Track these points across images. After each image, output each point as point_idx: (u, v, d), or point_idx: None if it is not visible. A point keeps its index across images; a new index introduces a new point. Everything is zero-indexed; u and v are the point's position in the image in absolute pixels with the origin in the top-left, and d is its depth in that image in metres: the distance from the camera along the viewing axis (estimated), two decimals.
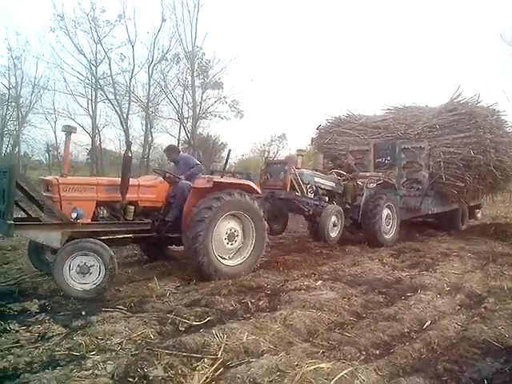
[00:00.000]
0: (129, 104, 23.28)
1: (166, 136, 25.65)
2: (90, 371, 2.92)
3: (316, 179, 8.18)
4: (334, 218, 7.62)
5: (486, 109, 10.48)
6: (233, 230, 5.91)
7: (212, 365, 3.12)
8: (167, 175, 6.20)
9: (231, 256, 5.97)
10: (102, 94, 23.19)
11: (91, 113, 23.95)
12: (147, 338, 3.57)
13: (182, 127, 23.70)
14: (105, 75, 23.38)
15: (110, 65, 22.99)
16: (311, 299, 4.69)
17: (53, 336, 3.57)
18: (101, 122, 24.85)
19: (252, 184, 6.29)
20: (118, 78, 23.66)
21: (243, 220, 6.00)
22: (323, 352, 3.43)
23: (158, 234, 5.73)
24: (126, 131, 23.29)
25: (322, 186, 8.32)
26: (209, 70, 23.12)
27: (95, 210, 5.26)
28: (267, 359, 3.18)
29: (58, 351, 3.25)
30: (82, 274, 4.66)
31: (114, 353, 3.27)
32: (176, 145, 26.11)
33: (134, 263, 6.64)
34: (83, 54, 22.84)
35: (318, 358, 3.27)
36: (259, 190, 6.45)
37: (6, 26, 29.18)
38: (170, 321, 3.97)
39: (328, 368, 3.06)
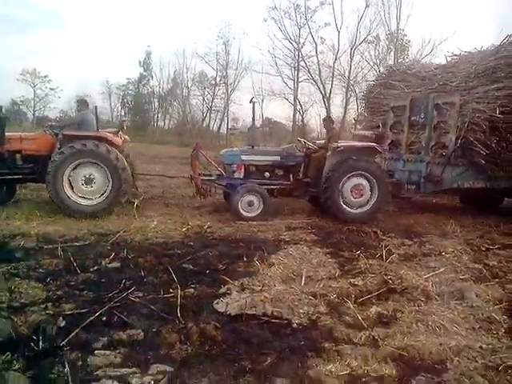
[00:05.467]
0: (332, 83, 26.39)
1: None
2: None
3: (244, 157, 7.83)
4: (248, 198, 7.41)
5: None
6: (90, 176, 6.93)
7: None
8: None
9: (91, 197, 6.98)
10: (308, 74, 26.69)
11: (294, 91, 27.84)
12: None
13: None
14: (308, 56, 26.88)
15: (316, 48, 26.33)
16: None
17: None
18: (304, 99, 28.67)
19: (106, 135, 7.08)
20: (320, 59, 26.89)
21: (99, 167, 6.93)
22: None
23: (41, 178, 7.05)
24: (328, 108, 26.51)
25: (255, 163, 7.95)
26: (408, 50, 24.56)
27: None
28: None
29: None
30: None
31: None
32: None
33: None
34: (289, 40, 26.69)
35: None
36: (115, 140, 7.19)
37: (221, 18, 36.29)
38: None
39: None
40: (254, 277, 4.44)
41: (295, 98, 27.69)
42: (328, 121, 9.18)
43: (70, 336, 3.02)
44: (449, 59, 10.43)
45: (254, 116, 8.35)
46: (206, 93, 36.53)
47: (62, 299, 3.67)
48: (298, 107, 28.49)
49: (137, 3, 65.73)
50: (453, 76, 8.98)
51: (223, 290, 4.04)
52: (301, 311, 3.66)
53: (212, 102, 36.16)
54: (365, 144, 8.18)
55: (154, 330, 3.21)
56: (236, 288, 4.07)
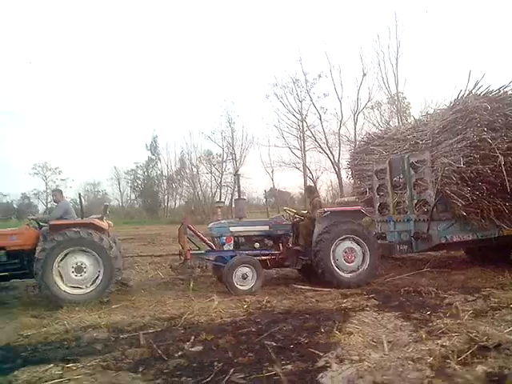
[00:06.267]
0: (339, 149, 27.34)
1: None
2: None
3: (232, 229, 7.85)
4: (242, 270, 7.29)
5: (494, 98, 8.24)
6: (80, 264, 6.84)
7: None
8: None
9: (81, 286, 6.86)
10: (315, 143, 27.73)
11: (303, 159, 28.78)
12: None
13: None
14: (312, 126, 28.14)
15: (320, 118, 27.63)
16: None
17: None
18: (313, 167, 29.54)
19: (95, 222, 7.14)
20: (325, 127, 28.13)
21: (89, 255, 6.87)
22: None
23: (29, 273, 6.93)
24: (338, 173, 27.18)
25: (244, 234, 7.97)
26: (408, 111, 25.79)
27: None
28: None
29: None
30: None
31: None
32: None
33: None
34: (292, 113, 28.13)
35: None
36: (103, 226, 7.25)
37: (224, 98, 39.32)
38: None
39: None
40: (342, 347, 4.41)
41: (304, 165, 28.58)
42: (309, 190, 9.65)
43: None
44: (421, 118, 11.00)
45: (239, 188, 9.15)
46: (214, 169, 37.67)
47: None
48: (309, 174, 29.28)
49: (139, 89, 69.60)
50: (423, 134, 9.31)
51: (321, 363, 4.01)
52: (409, 377, 3.61)
53: (221, 177, 37.19)
54: (351, 207, 8.53)
55: None
56: (334, 360, 4.04)
